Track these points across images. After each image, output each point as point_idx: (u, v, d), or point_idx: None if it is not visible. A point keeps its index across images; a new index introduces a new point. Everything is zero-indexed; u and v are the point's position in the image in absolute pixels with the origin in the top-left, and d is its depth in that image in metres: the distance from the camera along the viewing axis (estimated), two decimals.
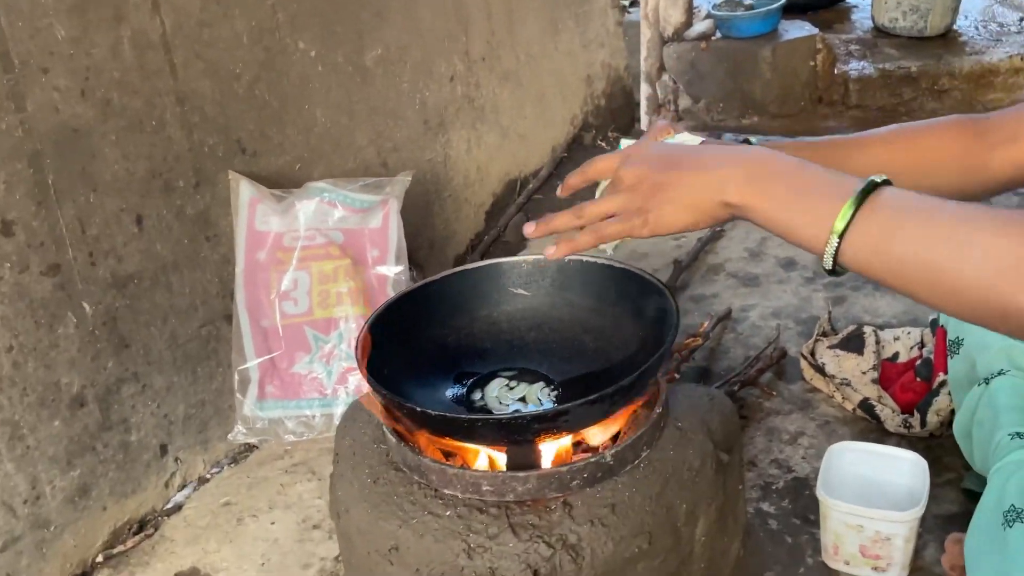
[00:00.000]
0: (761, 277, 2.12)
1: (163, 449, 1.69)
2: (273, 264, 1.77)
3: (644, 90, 3.57)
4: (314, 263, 1.77)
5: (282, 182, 1.84)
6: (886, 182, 0.79)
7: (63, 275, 1.48)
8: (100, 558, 1.58)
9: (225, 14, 1.71)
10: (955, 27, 3.40)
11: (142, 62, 1.57)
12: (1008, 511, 1.03)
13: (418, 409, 1.10)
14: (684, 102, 3.46)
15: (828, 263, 0.80)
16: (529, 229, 1.07)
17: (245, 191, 1.74)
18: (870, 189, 0.78)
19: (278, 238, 1.77)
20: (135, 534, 1.62)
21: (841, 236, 0.78)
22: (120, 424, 1.60)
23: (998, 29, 3.39)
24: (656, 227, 0.94)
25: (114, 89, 1.53)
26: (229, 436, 1.77)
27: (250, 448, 1.81)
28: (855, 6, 3.69)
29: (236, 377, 1.75)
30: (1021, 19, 3.47)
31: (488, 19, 2.49)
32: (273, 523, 1.60)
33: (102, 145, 1.52)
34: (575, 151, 2.84)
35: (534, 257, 1.39)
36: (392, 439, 1.20)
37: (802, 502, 1.50)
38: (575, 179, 1.10)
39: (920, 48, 3.31)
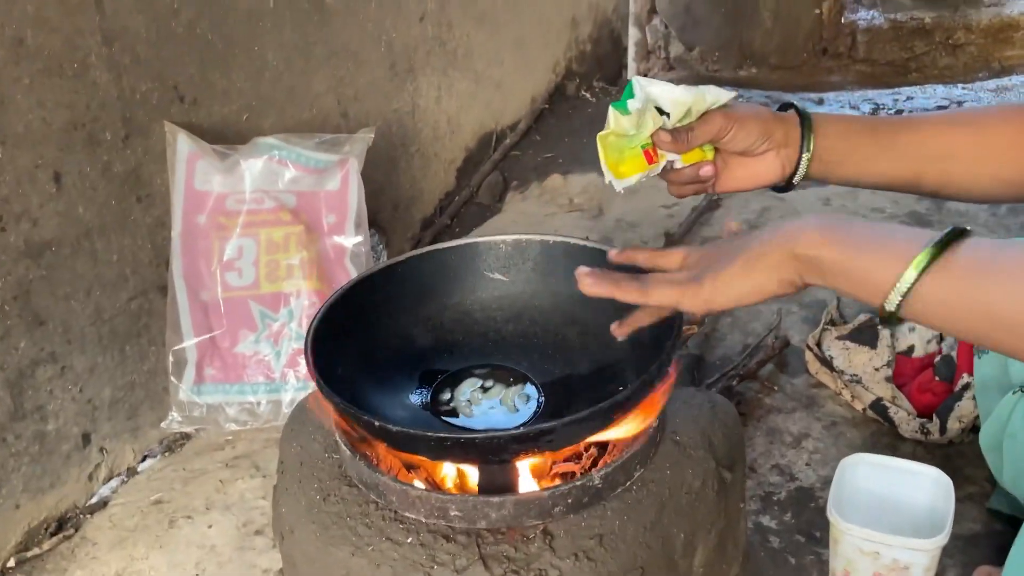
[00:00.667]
0: None
1: (86, 438, 1.58)
2: (215, 229, 1.64)
3: (632, 35, 3.44)
4: (262, 229, 1.65)
5: (227, 136, 1.71)
6: (967, 232, 0.75)
7: None
8: (12, 562, 1.47)
9: None
10: None
11: None
12: None
13: (376, 423, 0.99)
14: (676, 49, 3.33)
15: (892, 304, 0.76)
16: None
17: (183, 145, 1.61)
18: (951, 239, 0.74)
19: (220, 200, 1.65)
20: (52, 535, 1.52)
21: (915, 282, 0.74)
22: (35, 412, 1.49)
23: None
24: (713, 293, 0.87)
25: (28, 26, 1.39)
26: (162, 424, 1.66)
27: (186, 437, 1.70)
28: None
29: (171, 357, 1.64)
30: None
31: None
32: (210, 526, 1.49)
33: (13, 91, 1.39)
34: (557, 102, 2.72)
35: (514, 237, 1.28)
36: (346, 451, 1.09)
37: (806, 516, 1.41)
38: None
39: None
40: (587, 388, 1.02)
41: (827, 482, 1.46)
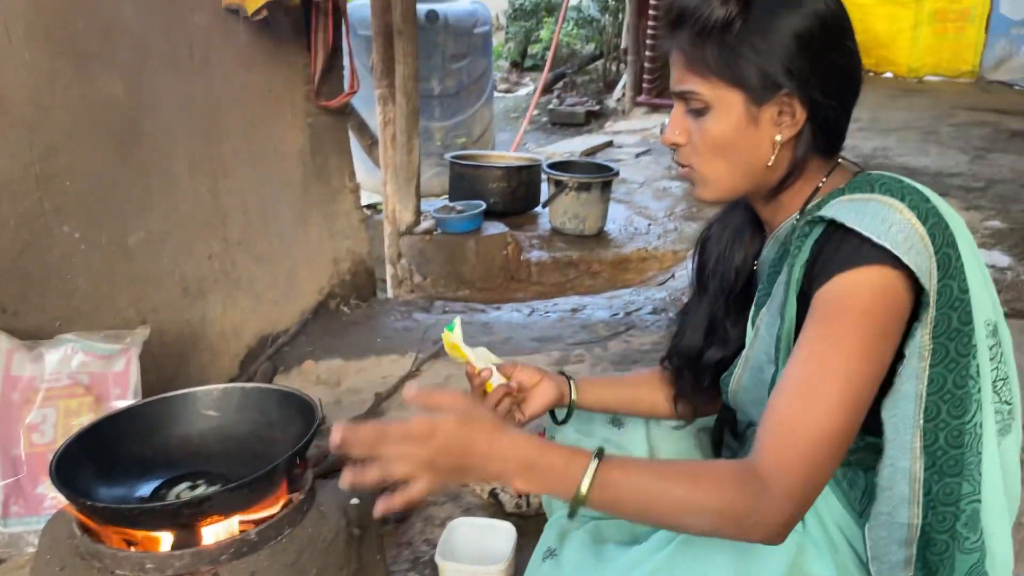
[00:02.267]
0: None
1: None
2: (24, 402, 1.71)
3: (388, 269, 3.74)
4: (61, 400, 1.73)
5: (43, 336, 1.80)
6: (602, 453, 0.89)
7: None
8: None
9: None
10: (606, 229, 3.82)
11: None
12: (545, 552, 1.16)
13: (87, 503, 1.11)
14: (416, 279, 3.65)
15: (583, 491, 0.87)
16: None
17: (3, 343, 1.70)
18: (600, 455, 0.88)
19: (31, 381, 1.72)
20: None
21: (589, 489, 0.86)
22: None
23: (633, 231, 3.82)
24: (435, 489, 0.89)
25: None
26: None
27: None
28: (539, 213, 4.04)
29: None
30: (648, 224, 3.93)
31: (244, 213, 2.57)
32: None
33: None
34: (321, 314, 2.92)
35: (223, 386, 1.44)
36: (78, 532, 1.19)
37: None
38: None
39: (581, 243, 3.68)
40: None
41: None
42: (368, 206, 3.64)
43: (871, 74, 7.85)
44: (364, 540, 1.34)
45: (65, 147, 1.88)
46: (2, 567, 1.67)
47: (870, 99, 6.91)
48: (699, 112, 1.00)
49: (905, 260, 0.87)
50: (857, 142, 5.59)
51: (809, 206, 1.02)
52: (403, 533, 1.69)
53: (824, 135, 0.99)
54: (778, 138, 0.98)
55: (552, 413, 1.31)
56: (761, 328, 1.04)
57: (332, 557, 1.25)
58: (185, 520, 1.14)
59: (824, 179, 1.03)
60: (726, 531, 0.86)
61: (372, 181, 4.13)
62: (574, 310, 2.89)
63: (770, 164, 1.00)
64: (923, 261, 0.88)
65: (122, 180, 2.06)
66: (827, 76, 0.96)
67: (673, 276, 3.26)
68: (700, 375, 1.20)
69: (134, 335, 1.82)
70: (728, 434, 1.26)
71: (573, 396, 1.27)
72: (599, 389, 1.31)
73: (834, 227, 0.92)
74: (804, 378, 0.88)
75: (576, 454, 0.88)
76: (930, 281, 0.89)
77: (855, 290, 0.89)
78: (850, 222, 0.90)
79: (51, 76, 1.84)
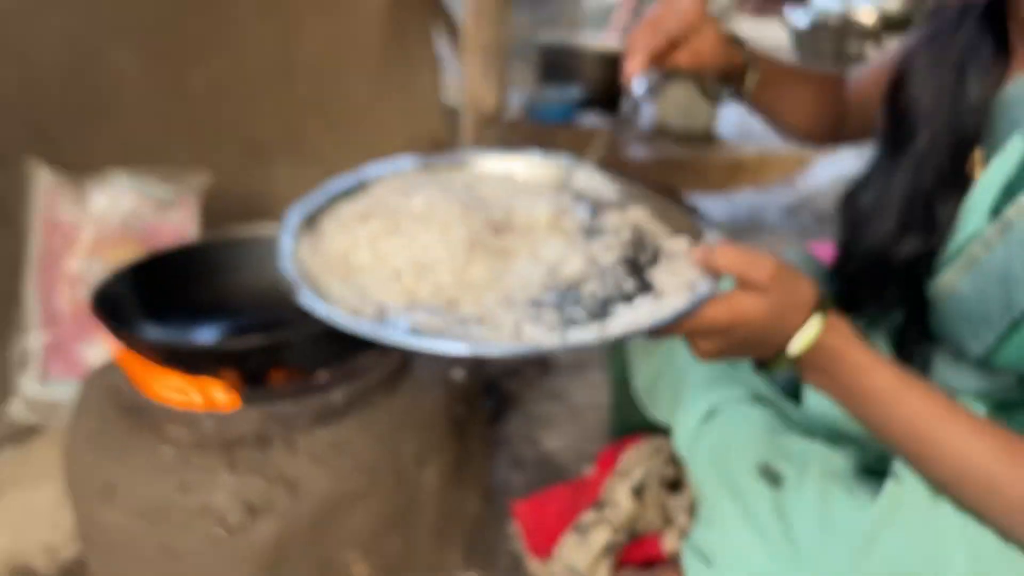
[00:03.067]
0: None
1: None
2: (67, 250, 1.52)
3: None
4: (109, 250, 1.54)
5: (87, 175, 1.60)
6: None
7: None
8: None
9: (38, 9, 1.50)
10: (718, 130, 3.50)
11: None
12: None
13: (138, 337, 0.90)
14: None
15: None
16: None
17: (45, 178, 1.51)
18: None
19: (75, 225, 1.53)
20: None
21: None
22: None
23: (748, 133, 3.50)
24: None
25: None
26: (7, 413, 1.49)
27: (32, 430, 1.53)
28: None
29: (19, 354, 1.48)
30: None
31: (317, 71, 2.34)
32: (35, 491, 1.33)
33: None
34: None
35: None
36: (124, 382, 0.99)
37: (545, 473, 1.35)
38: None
39: (688, 143, 3.37)
40: None
41: (565, 448, 1.42)
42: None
43: None
44: (468, 423, 1.12)
45: None
46: (38, 440, 1.51)
47: None
48: None
49: None
50: None
51: None
52: (499, 429, 1.47)
53: None
54: None
55: (705, 91, 1.00)
56: (1020, 226, 0.72)
57: (432, 437, 1.04)
58: (257, 366, 0.93)
59: None
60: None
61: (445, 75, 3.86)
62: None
63: None
64: None
65: (183, 8, 1.83)
66: None
67: (795, 181, 2.95)
68: (884, 280, 0.87)
69: (193, 179, 1.62)
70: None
71: (746, 52, 0.95)
72: (765, 56, 0.99)
73: None
74: None
75: (892, 384, 0.69)
76: None
77: None
78: None
79: None
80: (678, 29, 0.87)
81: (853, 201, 0.89)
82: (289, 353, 0.94)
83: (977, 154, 0.77)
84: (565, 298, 0.74)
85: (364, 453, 0.95)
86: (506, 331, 0.68)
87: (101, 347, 1.54)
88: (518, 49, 4.82)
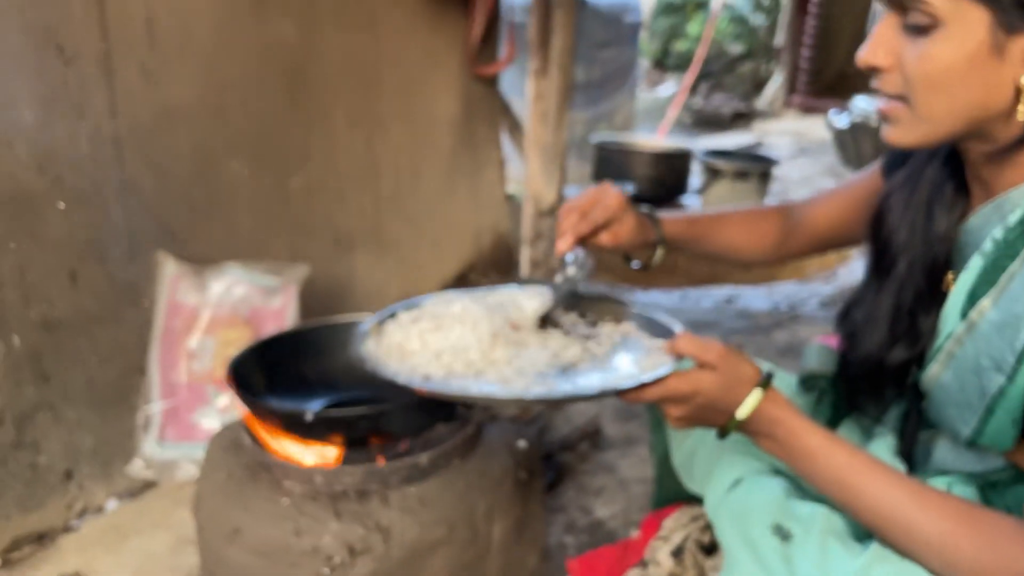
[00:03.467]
0: None
1: (68, 475, 1.62)
2: (186, 329, 1.76)
3: (525, 252, 3.72)
4: (220, 330, 1.77)
5: (205, 264, 1.85)
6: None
7: None
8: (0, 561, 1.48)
9: (172, 127, 1.77)
10: None
11: (95, 153, 1.61)
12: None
13: (266, 405, 1.11)
14: (554, 263, 3.61)
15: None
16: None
17: (171, 268, 1.76)
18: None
19: (194, 308, 1.78)
20: (33, 543, 1.53)
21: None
22: (32, 446, 1.54)
23: None
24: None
25: (67, 169, 1.56)
26: (129, 470, 1.70)
27: (148, 485, 1.74)
28: (686, 204, 3.93)
29: (141, 418, 1.70)
30: None
31: (396, 172, 2.61)
32: (153, 538, 1.53)
33: (49, 211, 1.54)
34: (460, 284, 2.92)
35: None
36: (248, 441, 1.19)
37: (597, 537, 1.50)
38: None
39: None
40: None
41: (614, 516, 1.57)
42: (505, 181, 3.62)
43: None
44: (530, 487, 1.29)
45: (239, 83, 1.94)
46: (152, 492, 1.72)
47: None
48: (922, 29, 0.81)
49: None
50: None
51: None
52: (555, 498, 1.63)
53: None
54: None
55: (627, 259, 1.21)
56: (982, 325, 0.86)
57: (501, 497, 1.21)
58: (358, 433, 1.12)
59: None
60: None
61: (509, 169, 4.13)
62: (728, 300, 2.76)
63: (1008, 113, 0.81)
64: None
65: (287, 123, 2.11)
66: None
67: (837, 273, 3.08)
68: (881, 383, 1.02)
69: (294, 271, 1.85)
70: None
71: (660, 231, 1.16)
72: (684, 222, 1.20)
73: None
74: None
75: (822, 445, 0.86)
76: None
77: None
78: None
79: (231, 14, 1.91)
80: (603, 218, 1.09)
81: (849, 316, 1.05)
82: (385, 422, 1.13)
83: (949, 276, 0.94)
84: (564, 373, 0.96)
85: (444, 508, 1.12)
86: (516, 391, 0.91)
87: (210, 414, 1.76)
88: (576, 147, 5.11)
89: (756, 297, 2.78)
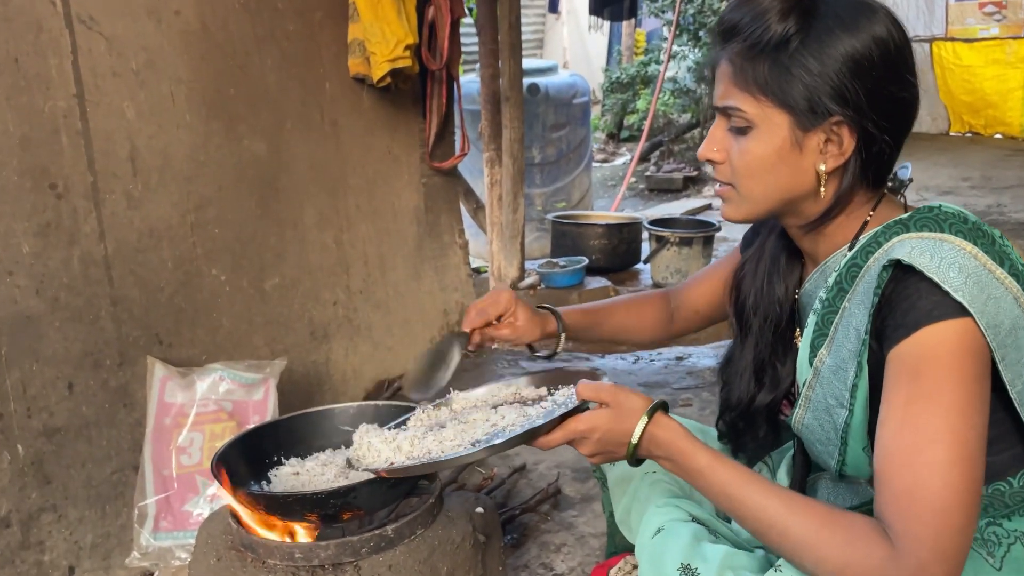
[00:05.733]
0: None
1: (71, 570, 1.70)
2: (175, 427, 1.88)
3: None
4: (207, 425, 1.89)
5: (190, 365, 1.98)
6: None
7: (4, 422, 1.57)
8: None
9: (156, 245, 1.92)
10: None
11: (86, 273, 1.75)
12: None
13: (248, 492, 1.23)
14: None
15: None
16: None
17: (159, 371, 1.88)
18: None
19: (181, 407, 1.89)
20: None
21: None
22: (37, 545, 1.63)
23: None
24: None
25: (62, 290, 1.70)
26: (127, 561, 1.79)
27: (146, 574, 1.82)
28: (640, 270, 4.10)
29: (136, 512, 1.80)
30: None
31: (365, 264, 2.75)
32: None
33: (48, 329, 1.67)
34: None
35: (358, 403, 1.56)
36: (234, 525, 1.30)
37: None
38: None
39: None
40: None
41: (572, 570, 1.68)
42: (473, 269, 3.78)
43: (971, 135, 7.65)
44: (489, 548, 1.41)
45: (216, 199, 2.10)
46: None
47: (980, 157, 6.73)
48: (741, 131, 0.98)
49: (980, 322, 0.86)
50: (969, 200, 5.46)
51: (862, 239, 0.99)
52: (518, 557, 1.74)
53: (872, 167, 0.97)
54: (822, 167, 0.96)
55: (531, 347, 1.36)
56: (824, 371, 1.00)
57: (461, 559, 1.32)
58: (331, 510, 1.24)
59: (872, 212, 1.00)
60: None
61: (475, 246, 4.31)
62: (679, 358, 2.91)
63: (813, 193, 0.98)
64: (1006, 307, 0.88)
65: (261, 230, 2.26)
66: (883, 106, 0.93)
67: None
68: (754, 424, 1.18)
69: (273, 366, 1.98)
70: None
71: (561, 325, 1.32)
72: (580, 312, 1.36)
73: (901, 270, 0.89)
74: (907, 446, 0.85)
75: (709, 463, 0.97)
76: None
77: (940, 345, 0.86)
78: (929, 270, 0.87)
79: (206, 136, 2.08)
80: (495, 313, 1.28)
81: (724, 369, 1.22)
82: (353, 499, 1.25)
83: (797, 332, 1.10)
84: (495, 435, 1.12)
85: (410, 573, 1.24)
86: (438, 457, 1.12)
87: (200, 503, 1.85)
88: (537, 223, 5.31)
89: (704, 356, 2.93)
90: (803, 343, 1.04)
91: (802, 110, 0.94)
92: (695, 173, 7.63)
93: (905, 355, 0.88)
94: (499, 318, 1.30)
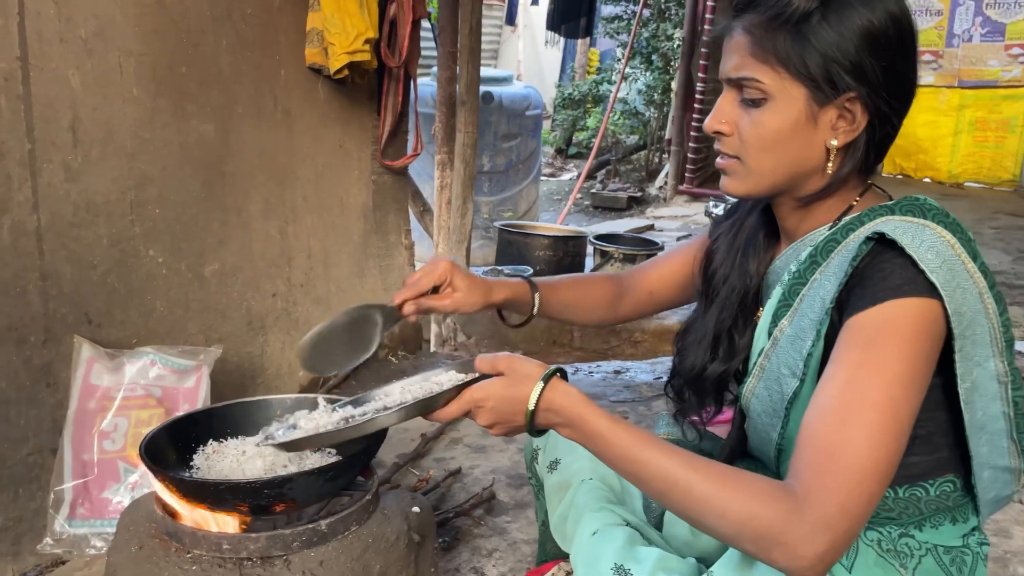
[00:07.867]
0: (488, 447, 2.29)
1: None
2: (99, 410, 1.80)
3: (433, 328, 3.83)
4: (133, 411, 1.82)
5: (119, 347, 1.90)
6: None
7: None
8: None
9: (92, 220, 1.84)
10: None
11: (16, 244, 1.67)
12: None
13: (176, 476, 1.18)
14: (460, 338, 3.73)
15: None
16: None
17: (86, 351, 1.80)
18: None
19: (107, 390, 1.82)
20: None
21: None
22: None
23: None
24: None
25: None
26: (38, 547, 1.71)
27: (58, 563, 1.74)
28: None
29: (52, 496, 1.71)
30: None
31: (308, 257, 2.70)
32: None
33: None
34: (370, 361, 3.00)
35: (296, 395, 1.52)
36: (159, 513, 1.25)
37: None
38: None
39: None
40: None
41: (503, 575, 1.66)
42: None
43: (902, 177, 7.97)
44: (423, 549, 1.38)
45: (158, 178, 2.03)
46: (64, 567, 1.72)
47: None
48: (755, 102, 0.98)
49: (948, 306, 0.88)
50: None
51: (845, 219, 1.02)
52: (450, 560, 1.72)
53: (875, 149, 1.00)
54: (833, 142, 0.97)
55: (500, 313, 1.36)
56: (782, 340, 1.02)
57: (394, 558, 1.30)
58: (264, 501, 1.20)
59: (858, 198, 1.04)
60: (746, 544, 0.86)
61: (420, 249, 4.28)
62: (617, 372, 2.94)
63: (820, 169, 0.99)
64: (970, 300, 0.91)
65: (204, 214, 2.20)
66: (894, 85, 0.96)
67: None
68: (702, 392, 1.18)
69: (207, 353, 1.92)
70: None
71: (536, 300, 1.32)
72: (545, 283, 1.35)
73: (881, 245, 0.92)
74: (844, 404, 0.86)
75: (607, 426, 0.95)
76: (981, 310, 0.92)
77: (901, 318, 0.88)
78: (909, 247, 0.89)
79: (153, 112, 2.01)
80: (429, 284, 1.25)
81: (681, 337, 1.23)
82: (287, 490, 1.21)
83: (760, 310, 1.12)
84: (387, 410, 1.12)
85: (342, 570, 1.21)
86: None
87: (121, 491, 1.78)
88: (483, 230, 5.31)
89: (641, 370, 2.96)
90: (765, 313, 1.07)
91: (820, 84, 0.95)
92: (639, 194, 7.75)
93: (865, 323, 0.89)
94: (437, 288, 1.27)
